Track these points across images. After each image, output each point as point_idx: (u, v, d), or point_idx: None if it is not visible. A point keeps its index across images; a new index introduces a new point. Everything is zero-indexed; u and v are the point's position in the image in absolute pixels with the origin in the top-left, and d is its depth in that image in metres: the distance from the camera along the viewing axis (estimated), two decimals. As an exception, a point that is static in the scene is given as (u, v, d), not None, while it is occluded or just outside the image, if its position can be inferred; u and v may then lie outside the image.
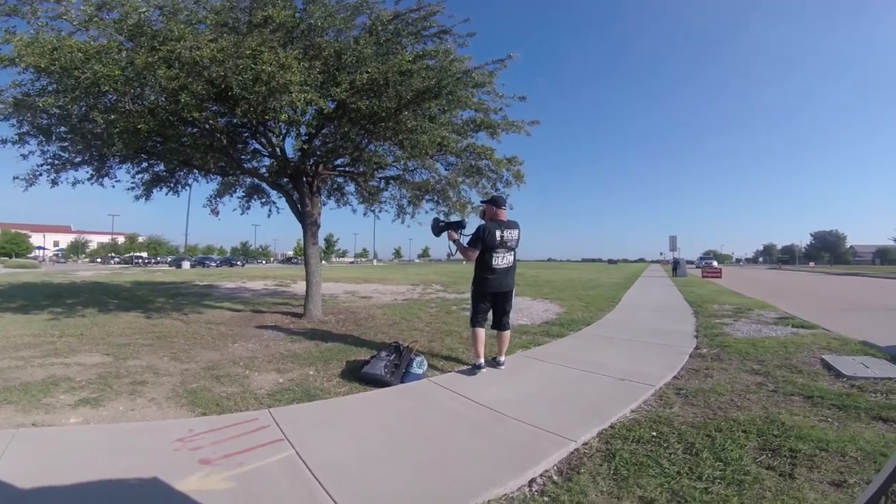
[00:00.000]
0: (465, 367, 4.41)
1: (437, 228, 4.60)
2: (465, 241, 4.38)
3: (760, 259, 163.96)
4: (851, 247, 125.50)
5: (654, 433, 2.78)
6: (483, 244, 4.18)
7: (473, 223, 4.63)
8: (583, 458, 2.49)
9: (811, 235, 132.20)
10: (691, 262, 50.59)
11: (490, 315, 4.47)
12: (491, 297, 4.35)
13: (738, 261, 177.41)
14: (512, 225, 4.33)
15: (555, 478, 2.29)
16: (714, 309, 9.24)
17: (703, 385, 3.83)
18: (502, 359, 4.43)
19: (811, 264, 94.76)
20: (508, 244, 4.27)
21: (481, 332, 4.30)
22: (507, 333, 4.47)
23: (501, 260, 4.24)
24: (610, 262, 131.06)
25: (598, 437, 2.76)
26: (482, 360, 4.26)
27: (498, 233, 4.19)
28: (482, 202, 4.83)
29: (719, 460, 2.38)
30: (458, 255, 4.42)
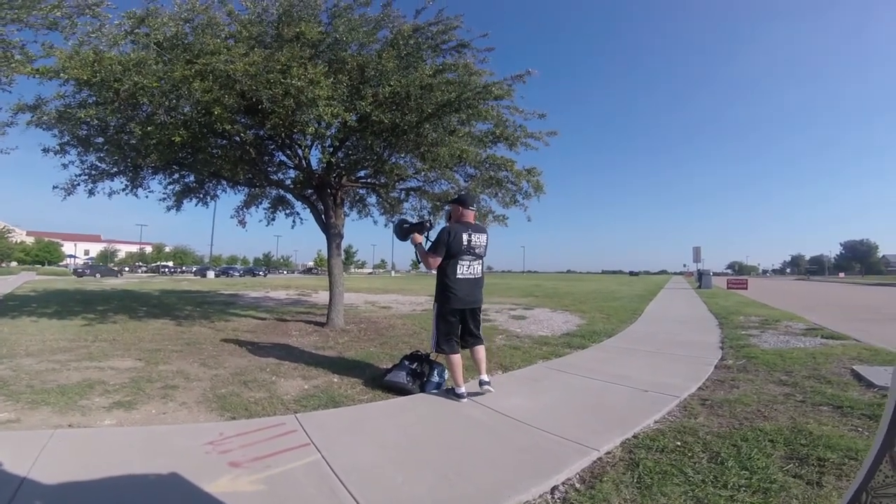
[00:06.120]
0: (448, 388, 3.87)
1: (402, 231, 3.96)
2: (429, 246, 3.77)
3: (788, 270, 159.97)
4: (884, 256, 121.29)
5: (679, 443, 2.76)
6: (447, 249, 3.61)
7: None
8: (606, 466, 2.48)
9: (841, 245, 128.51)
10: (717, 274, 49.48)
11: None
12: (458, 315, 3.73)
13: (765, 272, 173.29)
14: (479, 229, 3.79)
15: (577, 486, 2.29)
16: (740, 320, 9.06)
17: (729, 396, 3.77)
18: (486, 377, 3.74)
19: (841, 275, 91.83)
20: (476, 250, 3.71)
21: (457, 358, 3.69)
22: (482, 348, 3.87)
23: (468, 269, 3.68)
24: (631, 273, 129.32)
25: (621, 447, 2.74)
26: (463, 389, 3.64)
27: (465, 236, 3.62)
28: (448, 202, 4.15)
29: (745, 469, 2.35)
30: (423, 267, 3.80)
